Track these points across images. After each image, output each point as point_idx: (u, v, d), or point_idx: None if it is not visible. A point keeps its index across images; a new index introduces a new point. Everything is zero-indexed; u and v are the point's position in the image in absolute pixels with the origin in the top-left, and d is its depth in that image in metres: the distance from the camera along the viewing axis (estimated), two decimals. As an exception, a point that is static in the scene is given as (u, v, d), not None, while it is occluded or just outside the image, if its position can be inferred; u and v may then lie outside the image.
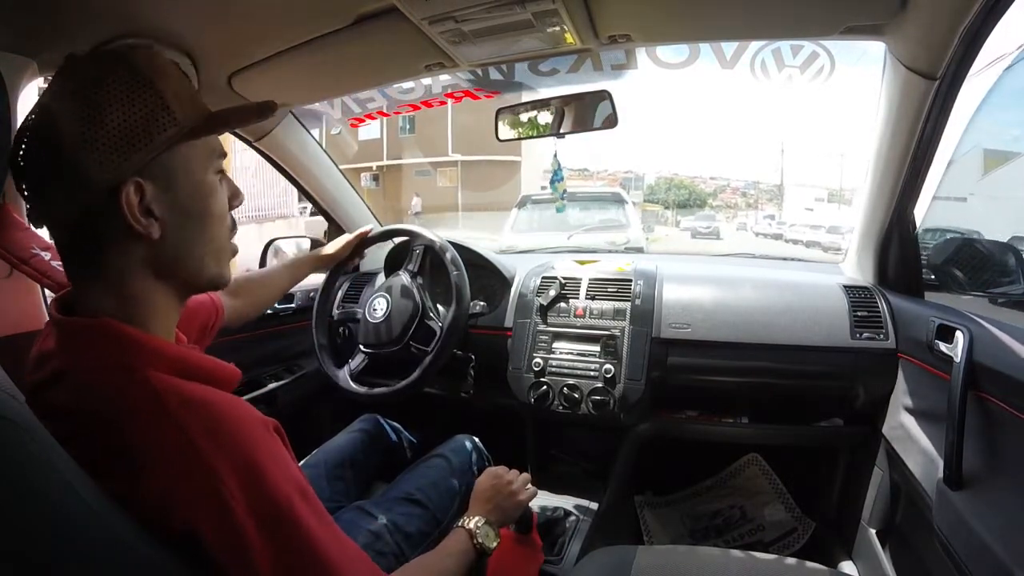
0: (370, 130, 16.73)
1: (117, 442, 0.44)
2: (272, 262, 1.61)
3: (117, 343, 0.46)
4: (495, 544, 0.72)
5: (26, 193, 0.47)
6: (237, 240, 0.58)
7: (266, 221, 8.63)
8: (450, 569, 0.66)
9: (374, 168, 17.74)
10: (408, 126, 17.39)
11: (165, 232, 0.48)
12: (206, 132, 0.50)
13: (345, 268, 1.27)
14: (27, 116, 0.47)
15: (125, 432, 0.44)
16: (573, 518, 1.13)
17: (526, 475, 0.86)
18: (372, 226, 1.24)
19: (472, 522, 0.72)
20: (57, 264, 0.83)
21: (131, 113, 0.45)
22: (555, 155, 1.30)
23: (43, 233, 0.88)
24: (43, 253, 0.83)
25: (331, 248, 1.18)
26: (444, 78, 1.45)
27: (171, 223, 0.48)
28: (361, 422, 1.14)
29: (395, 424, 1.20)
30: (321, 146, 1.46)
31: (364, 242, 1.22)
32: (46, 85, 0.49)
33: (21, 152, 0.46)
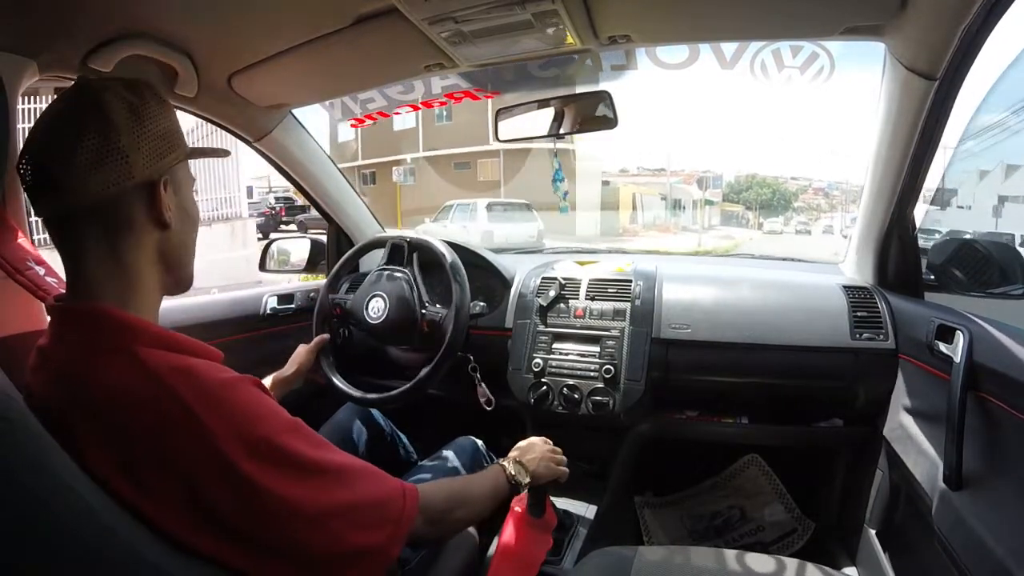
0: (405, 119, 15.11)
1: (113, 420, 0.47)
2: (271, 264, 1.61)
3: (113, 326, 0.51)
4: (527, 481, 0.79)
5: (66, 173, 0.50)
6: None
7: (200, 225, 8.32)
8: (484, 487, 0.73)
9: (408, 161, 15.88)
10: (445, 112, 15.08)
11: (173, 226, 0.57)
12: (195, 155, 0.61)
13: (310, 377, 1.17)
14: (67, 105, 0.52)
15: (122, 408, 0.47)
16: (573, 518, 1.13)
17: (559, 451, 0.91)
18: (327, 336, 1.20)
19: (508, 462, 0.80)
20: (53, 281, 0.82)
21: (163, 126, 0.55)
22: (555, 156, 1.30)
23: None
24: (37, 268, 0.82)
25: (292, 366, 1.10)
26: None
27: (177, 219, 0.57)
28: (344, 411, 1.14)
29: (394, 424, 1.20)
30: (320, 147, 1.46)
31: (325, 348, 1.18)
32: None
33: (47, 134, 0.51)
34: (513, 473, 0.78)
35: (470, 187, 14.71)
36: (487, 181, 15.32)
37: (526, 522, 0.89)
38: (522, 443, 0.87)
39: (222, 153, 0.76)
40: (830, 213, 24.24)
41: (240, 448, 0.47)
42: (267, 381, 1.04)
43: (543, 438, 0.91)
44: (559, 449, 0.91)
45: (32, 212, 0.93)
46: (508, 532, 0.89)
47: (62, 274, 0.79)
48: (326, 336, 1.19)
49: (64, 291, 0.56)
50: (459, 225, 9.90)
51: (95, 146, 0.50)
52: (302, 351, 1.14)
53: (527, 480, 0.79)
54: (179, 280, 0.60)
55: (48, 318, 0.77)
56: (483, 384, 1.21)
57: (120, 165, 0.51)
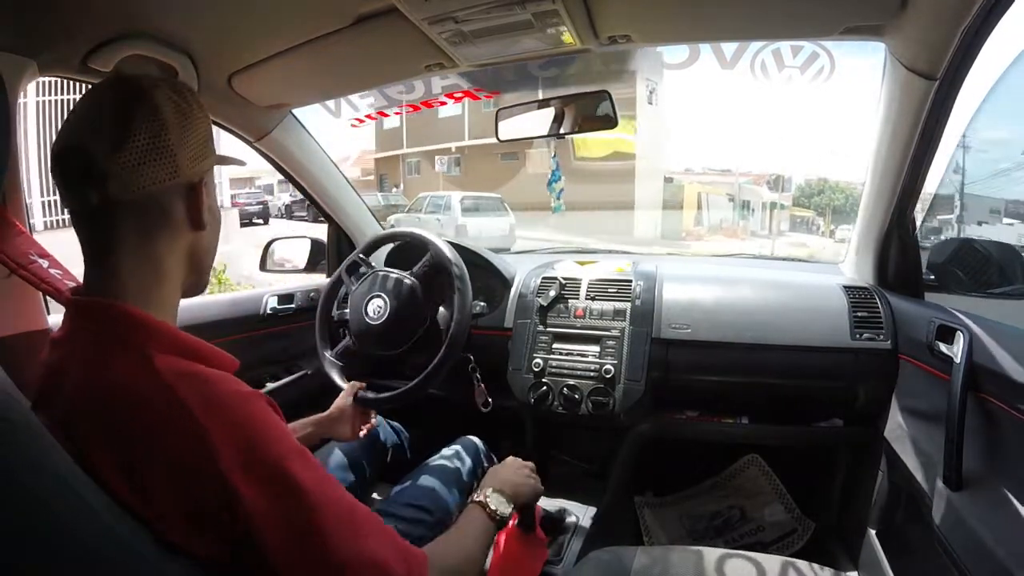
0: (451, 106, 13.77)
1: (116, 418, 0.46)
2: (270, 264, 1.61)
3: (130, 325, 0.50)
4: (510, 510, 0.73)
5: (114, 165, 0.49)
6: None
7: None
8: (478, 539, 0.66)
9: (453, 150, 14.67)
10: (493, 100, 13.05)
11: (207, 228, 0.58)
12: (220, 162, 0.61)
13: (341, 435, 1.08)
14: (113, 98, 0.52)
15: (126, 407, 0.46)
16: (573, 518, 1.13)
17: (532, 464, 0.87)
18: (363, 383, 1.12)
19: (482, 495, 0.72)
20: (57, 273, 0.82)
21: (203, 130, 0.56)
22: (554, 156, 1.30)
23: (40, 239, 0.87)
24: (41, 260, 0.82)
25: (333, 410, 1.05)
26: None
27: (209, 221, 0.58)
28: None
29: (394, 423, 1.19)
30: (320, 146, 1.46)
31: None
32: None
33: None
34: (495, 508, 0.70)
35: (519, 179, 13.43)
36: (537, 174, 12.98)
37: (518, 538, 0.88)
38: (492, 470, 0.83)
39: (240, 162, 0.76)
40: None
41: (240, 465, 0.45)
42: (308, 421, 0.99)
43: (510, 459, 0.86)
44: (531, 463, 0.86)
45: (29, 203, 0.93)
46: (501, 549, 0.87)
47: (66, 266, 0.80)
48: (361, 384, 1.12)
49: (73, 284, 0.55)
50: (432, 217, 9.85)
51: (145, 141, 0.50)
52: (339, 400, 1.07)
53: (510, 509, 0.73)
54: (199, 283, 0.61)
55: (47, 316, 0.77)
56: (481, 385, 1.20)
57: (168, 163, 0.52)
